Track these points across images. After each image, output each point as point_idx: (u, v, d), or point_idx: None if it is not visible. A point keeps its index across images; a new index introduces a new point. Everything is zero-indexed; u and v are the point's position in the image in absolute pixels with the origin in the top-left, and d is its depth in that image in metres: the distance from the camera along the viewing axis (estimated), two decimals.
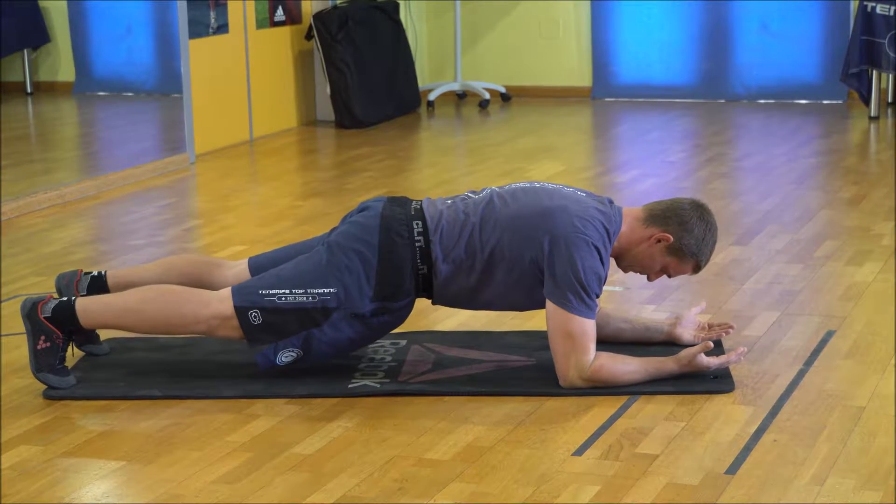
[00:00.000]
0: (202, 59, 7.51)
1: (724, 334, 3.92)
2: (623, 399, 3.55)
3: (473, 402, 3.57)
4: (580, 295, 3.54)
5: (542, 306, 3.63)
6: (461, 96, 9.56)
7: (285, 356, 3.68)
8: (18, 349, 4.06)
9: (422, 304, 3.98)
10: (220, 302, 3.67)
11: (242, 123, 8.02)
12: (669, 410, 3.47)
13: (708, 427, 3.36)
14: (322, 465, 3.19)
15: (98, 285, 3.93)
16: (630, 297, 4.54)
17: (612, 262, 3.75)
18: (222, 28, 7.74)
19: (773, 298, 4.46)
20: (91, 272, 3.98)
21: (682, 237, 3.68)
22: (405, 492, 3.03)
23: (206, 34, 7.59)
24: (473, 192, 3.81)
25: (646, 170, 6.93)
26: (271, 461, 3.22)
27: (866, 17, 8.02)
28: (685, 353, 3.64)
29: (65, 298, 3.74)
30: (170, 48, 7.65)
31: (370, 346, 3.97)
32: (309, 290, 3.65)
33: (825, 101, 8.96)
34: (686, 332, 3.93)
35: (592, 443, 3.28)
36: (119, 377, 3.79)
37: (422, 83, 9.44)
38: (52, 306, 3.69)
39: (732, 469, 3.11)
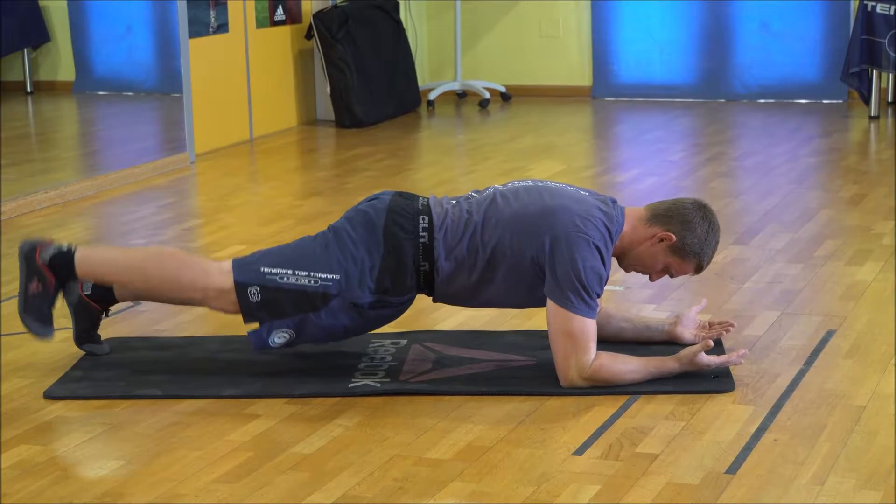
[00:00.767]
0: (202, 58, 7.51)
1: (724, 333, 3.91)
2: (623, 399, 3.55)
3: (473, 401, 3.57)
4: (581, 294, 3.54)
5: (543, 304, 3.63)
6: (461, 96, 9.56)
7: (278, 337, 3.68)
8: (18, 349, 4.07)
9: (423, 303, 3.98)
10: (221, 274, 3.68)
11: (242, 123, 8.02)
12: (669, 410, 3.47)
13: (708, 427, 3.36)
14: (322, 464, 3.19)
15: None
16: (631, 297, 4.53)
17: (614, 261, 3.75)
18: (222, 27, 7.74)
19: (773, 298, 4.46)
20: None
21: (684, 236, 3.68)
22: (405, 491, 3.03)
23: (206, 34, 7.58)
24: (477, 192, 3.81)
25: (646, 169, 6.93)
26: (271, 461, 3.22)
27: (866, 16, 8.02)
28: (685, 352, 3.64)
29: (64, 247, 3.75)
30: (170, 48, 7.65)
31: (370, 345, 3.97)
32: (312, 274, 3.65)
33: (825, 101, 8.96)
34: (686, 331, 3.93)
35: (593, 442, 3.28)
36: (119, 377, 3.79)
37: (422, 83, 9.44)
38: (51, 254, 3.70)
39: (733, 469, 3.11)
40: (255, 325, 3.70)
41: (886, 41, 7.96)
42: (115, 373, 3.82)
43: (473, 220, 3.67)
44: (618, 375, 3.59)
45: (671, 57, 9.33)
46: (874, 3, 8.00)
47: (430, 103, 9.19)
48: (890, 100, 8.53)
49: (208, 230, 5.77)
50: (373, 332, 3.98)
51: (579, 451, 3.22)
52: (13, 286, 4.80)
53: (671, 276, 3.80)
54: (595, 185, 6.37)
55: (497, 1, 9.58)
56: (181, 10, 7.33)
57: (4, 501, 3.03)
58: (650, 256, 3.72)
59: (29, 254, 3.71)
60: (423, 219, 3.67)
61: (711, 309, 4.31)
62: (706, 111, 8.88)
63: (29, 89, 7.98)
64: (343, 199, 6.18)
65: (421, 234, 3.66)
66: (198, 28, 7.50)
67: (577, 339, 3.55)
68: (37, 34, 7.85)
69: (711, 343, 3.62)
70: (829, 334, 4.06)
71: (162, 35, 7.97)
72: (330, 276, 3.64)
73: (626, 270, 3.80)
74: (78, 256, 3.73)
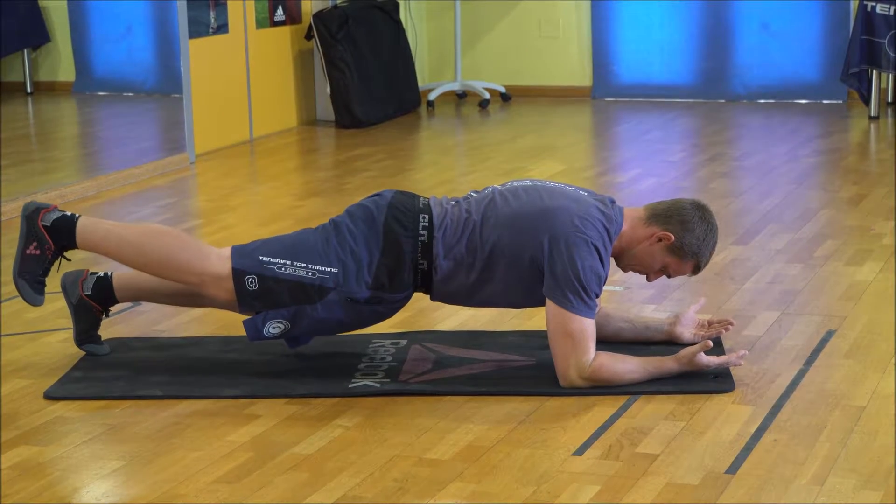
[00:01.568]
0: (202, 59, 7.51)
1: (723, 331, 3.91)
2: (623, 399, 3.55)
3: (473, 401, 3.57)
4: (580, 294, 3.54)
5: (542, 304, 3.63)
6: (461, 96, 9.56)
7: (273, 327, 3.68)
8: (18, 349, 4.07)
9: (423, 303, 3.98)
10: (220, 259, 3.67)
11: (242, 123, 8.02)
12: (669, 410, 3.47)
13: (708, 427, 3.36)
14: (322, 464, 3.19)
15: (103, 286, 3.91)
16: (630, 297, 4.53)
17: (613, 261, 3.75)
18: (222, 28, 7.74)
19: (773, 298, 4.46)
20: (97, 272, 3.96)
21: (683, 236, 3.68)
22: (405, 491, 3.03)
23: (206, 34, 7.58)
24: (476, 192, 3.81)
25: (646, 169, 6.93)
26: (271, 461, 3.22)
27: (866, 16, 8.01)
28: (685, 352, 3.64)
29: (68, 213, 3.75)
30: (170, 48, 7.66)
31: (370, 346, 3.98)
32: (311, 266, 3.65)
33: (825, 101, 8.96)
34: (686, 331, 3.93)
35: (593, 442, 3.28)
36: (119, 377, 3.79)
37: (422, 83, 9.44)
38: (54, 217, 3.71)
39: (732, 469, 3.11)
40: (250, 314, 3.70)
41: (886, 41, 7.96)
42: (115, 373, 3.82)
43: (472, 219, 3.67)
44: (617, 375, 3.59)
45: (671, 57, 9.33)
46: (874, 4, 7.99)
47: (430, 103, 9.19)
48: (890, 100, 8.52)
49: (208, 230, 5.77)
50: (373, 332, 3.99)
51: (579, 452, 3.22)
52: (13, 286, 4.80)
53: (669, 277, 3.80)
54: (595, 186, 6.37)
55: (497, 1, 9.58)
56: (181, 11, 7.33)
57: (4, 502, 3.03)
58: (648, 256, 3.72)
59: (32, 215, 3.72)
60: (424, 217, 3.68)
61: (711, 309, 4.31)
62: (706, 111, 8.88)
63: (29, 90, 7.98)
64: (343, 200, 6.17)
65: (420, 232, 3.66)
66: (198, 28, 7.50)
67: (576, 340, 3.55)
68: (37, 34, 7.85)
69: (711, 343, 3.62)
70: (829, 334, 4.06)
71: (162, 35, 7.98)
72: (328, 270, 3.64)
73: (625, 270, 3.80)
74: (80, 224, 3.73)
